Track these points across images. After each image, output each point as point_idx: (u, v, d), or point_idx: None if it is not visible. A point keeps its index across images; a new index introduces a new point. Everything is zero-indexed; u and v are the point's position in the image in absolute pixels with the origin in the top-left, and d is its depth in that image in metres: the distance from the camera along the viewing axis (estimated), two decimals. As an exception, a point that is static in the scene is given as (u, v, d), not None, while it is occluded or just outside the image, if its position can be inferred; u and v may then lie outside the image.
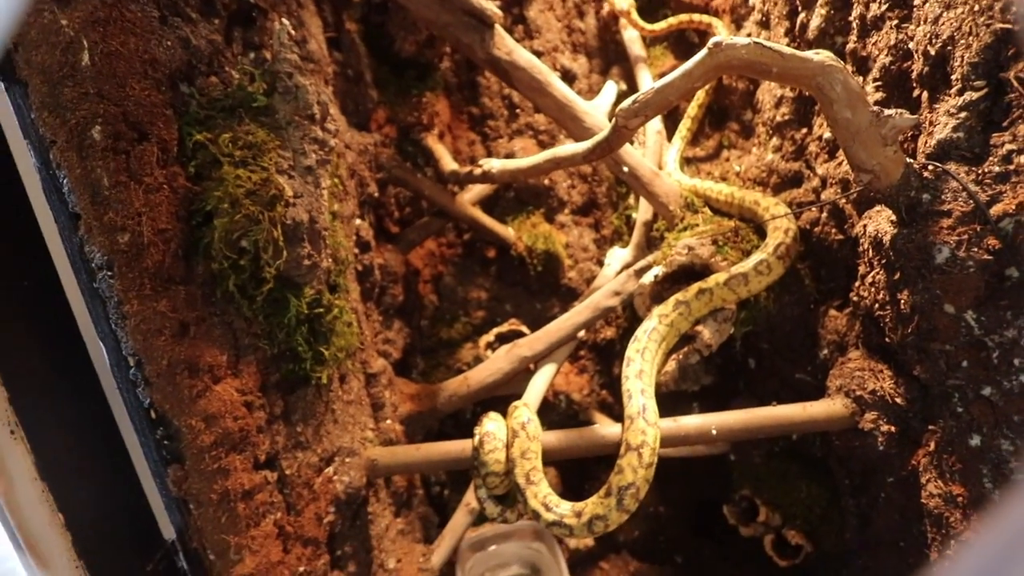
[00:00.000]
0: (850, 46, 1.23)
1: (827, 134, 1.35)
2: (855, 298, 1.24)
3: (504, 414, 1.33)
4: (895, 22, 1.09)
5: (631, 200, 2.12)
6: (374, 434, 1.41)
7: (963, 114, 0.90)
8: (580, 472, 2.21)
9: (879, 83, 1.14)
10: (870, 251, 1.13)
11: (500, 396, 1.81)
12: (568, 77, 2.10)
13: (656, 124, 1.89)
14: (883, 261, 1.08)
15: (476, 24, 1.53)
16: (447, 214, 1.97)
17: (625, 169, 1.65)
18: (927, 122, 1.00)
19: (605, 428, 1.29)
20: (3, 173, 0.71)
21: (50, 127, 0.70)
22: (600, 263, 2.20)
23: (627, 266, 1.92)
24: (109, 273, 0.75)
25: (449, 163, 1.87)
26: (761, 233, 1.48)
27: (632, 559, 1.99)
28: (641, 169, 1.66)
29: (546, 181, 2.14)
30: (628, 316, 2.04)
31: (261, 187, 0.89)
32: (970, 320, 0.90)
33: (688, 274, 1.51)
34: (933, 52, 0.97)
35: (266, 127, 0.95)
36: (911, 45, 1.05)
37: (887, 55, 1.12)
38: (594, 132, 1.59)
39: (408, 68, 1.90)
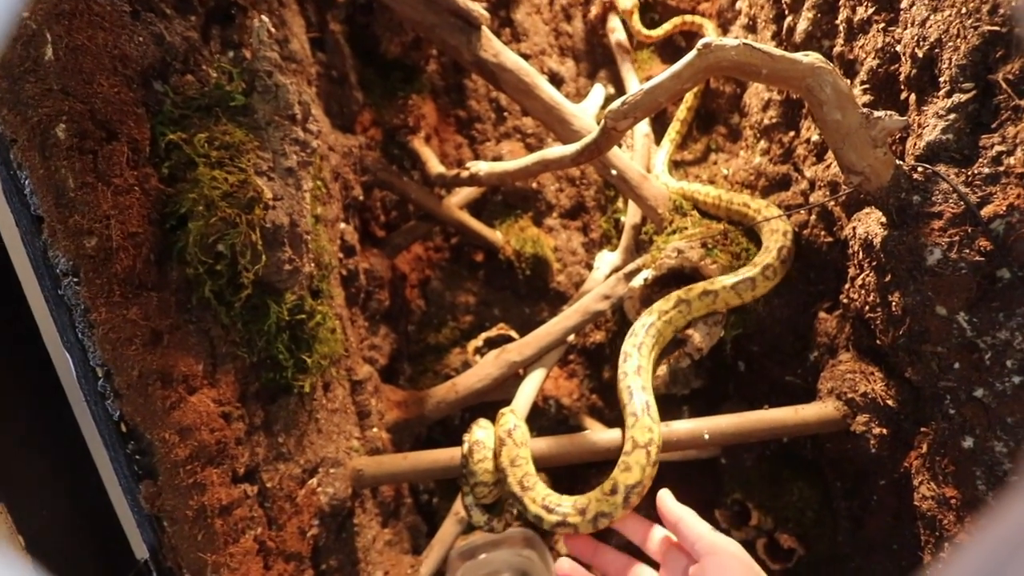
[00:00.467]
0: (837, 49, 1.23)
1: (814, 137, 1.35)
2: (845, 300, 1.23)
3: (493, 420, 1.30)
4: (882, 25, 1.09)
5: (619, 203, 2.11)
6: (360, 443, 1.38)
7: (952, 116, 0.89)
8: (570, 477, 2.19)
9: (866, 86, 1.14)
10: (860, 253, 1.12)
11: (489, 402, 1.78)
12: (556, 80, 2.09)
13: (644, 127, 1.89)
14: (873, 263, 1.08)
15: (463, 26, 1.51)
16: (434, 218, 1.94)
17: (613, 172, 1.63)
18: (915, 124, 1.00)
19: (597, 434, 1.26)
20: (-41, 173, 0.67)
21: (10, 125, 0.66)
22: (589, 267, 2.18)
23: (616, 269, 1.91)
24: (75, 279, 0.71)
25: (436, 166, 1.84)
26: (751, 235, 1.47)
27: (623, 566, 1.97)
28: (629, 172, 1.65)
29: (534, 184, 2.13)
30: (617, 320, 2.03)
31: (239, 189, 0.85)
32: (962, 322, 0.89)
33: (678, 277, 1.50)
34: (921, 54, 0.97)
35: (244, 127, 0.92)
36: (898, 48, 1.05)
37: (874, 58, 1.12)
38: (582, 135, 1.57)
39: (394, 70, 1.87)
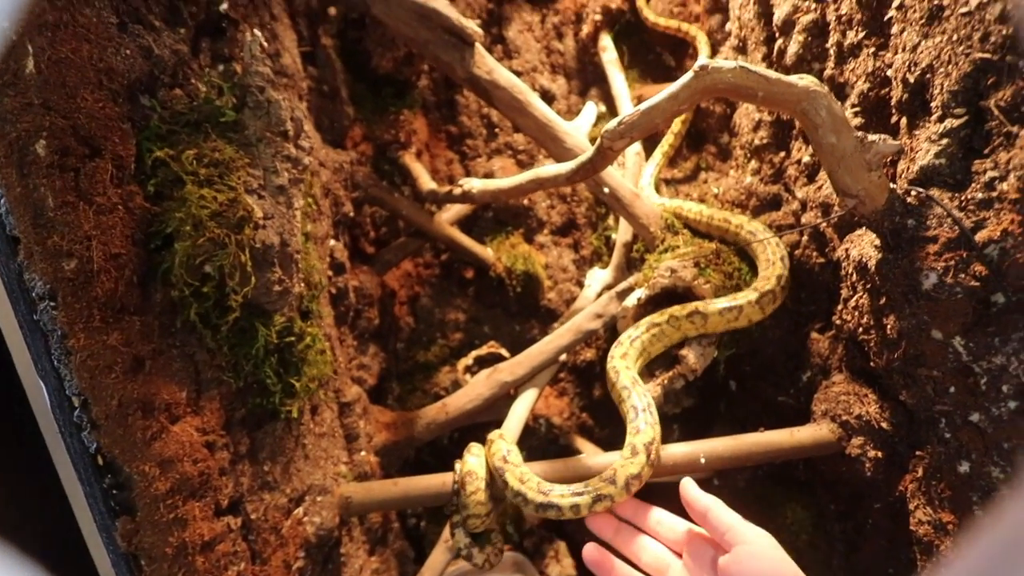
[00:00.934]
0: (828, 72, 1.25)
1: (806, 158, 1.36)
2: (838, 321, 1.24)
3: (483, 442, 1.27)
4: (872, 50, 1.11)
5: (610, 221, 2.11)
6: (348, 468, 1.33)
7: (944, 141, 0.91)
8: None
9: (857, 109, 1.16)
10: (854, 275, 1.13)
11: (480, 422, 1.75)
12: (547, 97, 2.09)
13: (636, 146, 1.89)
14: (868, 286, 1.08)
15: (456, 43, 1.51)
16: (424, 234, 1.91)
17: (606, 190, 1.63)
18: (908, 148, 1.01)
19: (591, 459, 1.24)
20: (-71, 192, 0.63)
21: (-14, 141, 0.63)
22: (580, 284, 2.18)
23: (608, 287, 1.90)
24: (52, 303, 0.67)
25: (427, 182, 1.83)
26: (742, 255, 1.48)
27: (616, 589, 1.93)
28: (621, 191, 1.65)
29: (525, 201, 2.12)
30: (609, 338, 2.02)
31: (228, 208, 0.82)
32: (958, 346, 0.89)
33: (671, 296, 1.49)
34: (912, 79, 0.98)
35: (234, 144, 0.89)
36: (889, 72, 1.07)
37: (865, 81, 1.14)
38: (575, 152, 1.57)
39: (385, 85, 1.86)
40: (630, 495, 1.05)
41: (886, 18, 1.04)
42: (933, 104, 0.94)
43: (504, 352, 2.00)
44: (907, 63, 0.98)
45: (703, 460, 1.20)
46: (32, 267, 0.66)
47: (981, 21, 0.83)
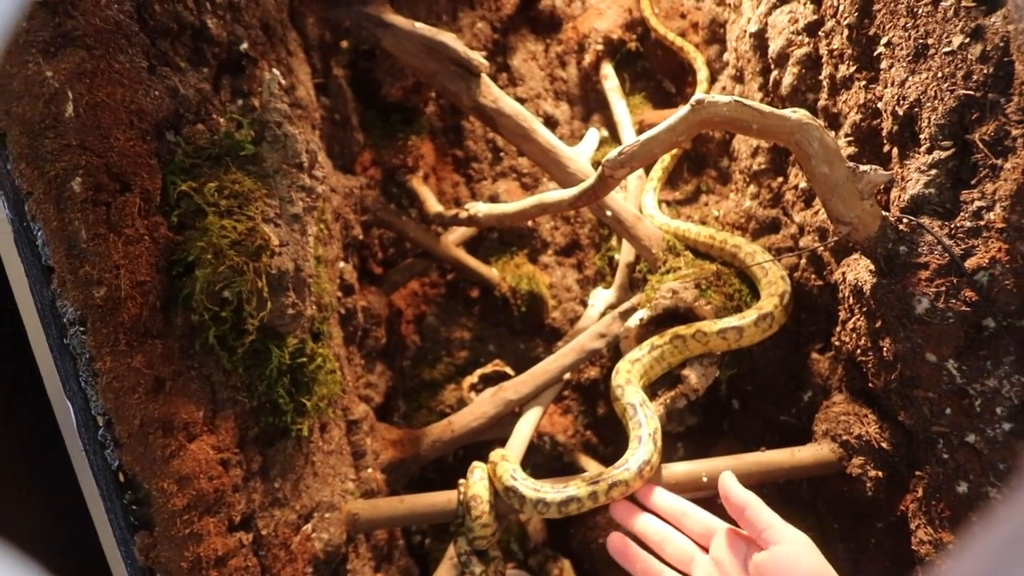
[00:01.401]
0: (821, 103, 1.29)
1: (802, 184, 1.40)
2: (836, 343, 1.26)
3: (488, 460, 1.29)
4: (863, 83, 1.15)
5: (613, 241, 2.15)
6: (355, 485, 1.36)
7: (933, 171, 0.94)
8: (565, 518, 2.15)
9: (850, 138, 1.20)
10: (850, 298, 1.15)
11: (485, 440, 1.77)
12: (550, 123, 2.15)
13: (638, 170, 1.94)
14: (864, 309, 1.11)
15: (463, 73, 1.57)
16: (431, 255, 1.96)
17: (608, 213, 1.67)
18: (899, 177, 1.05)
19: (595, 477, 1.25)
20: (-26, 226, 0.68)
21: (27, 179, 0.68)
22: (583, 303, 2.21)
23: (611, 307, 1.94)
24: (82, 329, 0.71)
25: (434, 205, 1.88)
26: (742, 276, 1.51)
27: (621, 610, 1.92)
28: (624, 213, 1.69)
29: (530, 223, 2.17)
30: (612, 357, 2.04)
31: (247, 237, 0.87)
32: (952, 369, 0.92)
33: (673, 317, 1.52)
34: (901, 112, 1.02)
35: (253, 175, 0.94)
36: (880, 105, 1.11)
37: (857, 113, 1.18)
38: (577, 177, 1.62)
39: (394, 112, 1.92)
40: (644, 481, 1.09)
41: (875, 53, 1.09)
42: (922, 136, 0.98)
43: (509, 370, 2.03)
44: (896, 97, 1.02)
45: (705, 479, 1.21)
46: (64, 295, 0.70)
47: (964, 60, 0.87)
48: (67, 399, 0.74)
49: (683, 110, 1.06)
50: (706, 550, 0.95)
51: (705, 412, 1.77)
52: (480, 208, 1.62)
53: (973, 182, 0.89)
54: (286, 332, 0.99)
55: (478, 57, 1.56)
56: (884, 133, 1.09)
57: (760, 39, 1.49)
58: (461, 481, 1.27)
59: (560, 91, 2.17)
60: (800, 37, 1.32)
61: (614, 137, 2.05)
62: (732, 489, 0.92)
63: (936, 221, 0.94)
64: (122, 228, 0.74)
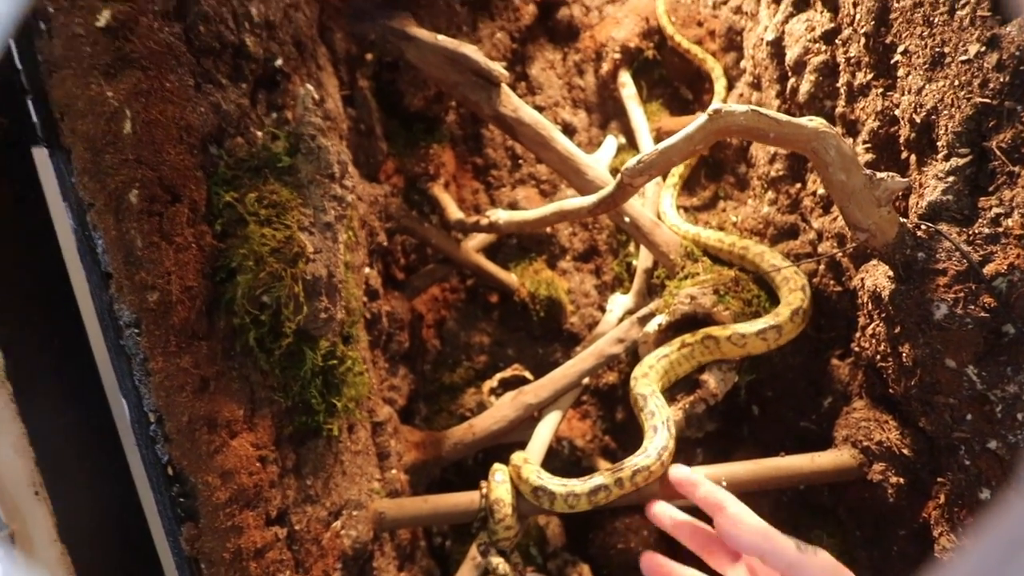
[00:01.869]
0: (839, 110, 1.31)
1: (820, 190, 1.41)
2: (856, 348, 1.27)
3: (507, 462, 1.33)
4: (880, 90, 1.17)
5: (631, 247, 2.17)
6: (380, 485, 1.40)
7: (951, 178, 0.95)
8: (584, 520, 2.17)
9: (868, 145, 1.21)
10: (869, 304, 1.16)
11: (505, 443, 1.80)
12: (569, 130, 2.19)
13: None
14: (883, 315, 1.12)
15: (484, 84, 1.62)
16: (452, 261, 2.00)
17: (627, 220, 1.70)
18: (917, 183, 1.06)
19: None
20: (42, 234, 0.73)
21: (89, 191, 0.73)
22: (601, 308, 2.23)
23: (629, 312, 1.96)
24: (136, 331, 0.77)
25: (455, 212, 1.92)
26: (761, 282, 1.52)
27: (640, 614, 1.93)
28: (642, 220, 1.71)
29: (548, 229, 2.20)
30: (630, 362, 2.06)
31: (285, 245, 0.92)
32: (971, 375, 0.92)
33: (691, 323, 1.54)
34: (918, 120, 1.04)
35: (289, 186, 0.99)
36: (897, 112, 1.12)
37: (875, 120, 1.19)
38: (596, 184, 1.65)
39: (416, 121, 1.98)
40: (664, 467, 1.16)
41: (892, 61, 1.10)
42: (939, 143, 0.99)
43: (528, 375, 2.06)
44: (913, 104, 1.03)
45: (724, 484, 1.23)
46: (121, 299, 0.76)
47: (980, 68, 0.89)
48: (122, 396, 0.79)
49: (700, 119, 1.08)
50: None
51: (724, 418, 1.78)
52: (501, 215, 1.66)
53: (991, 189, 0.90)
54: (319, 335, 1.04)
55: (498, 68, 1.61)
56: (902, 140, 1.10)
57: (777, 47, 1.51)
58: (482, 482, 1.30)
59: (578, 99, 2.21)
60: (817, 45, 1.34)
61: (632, 144, 2.08)
62: (747, 524, 0.93)
63: (954, 227, 0.95)
64: (173, 237, 0.79)
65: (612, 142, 1.98)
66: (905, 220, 1.01)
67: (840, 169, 1.01)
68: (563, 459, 2.11)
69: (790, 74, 1.45)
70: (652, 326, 1.57)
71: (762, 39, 1.59)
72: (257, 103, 1.12)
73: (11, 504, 0.61)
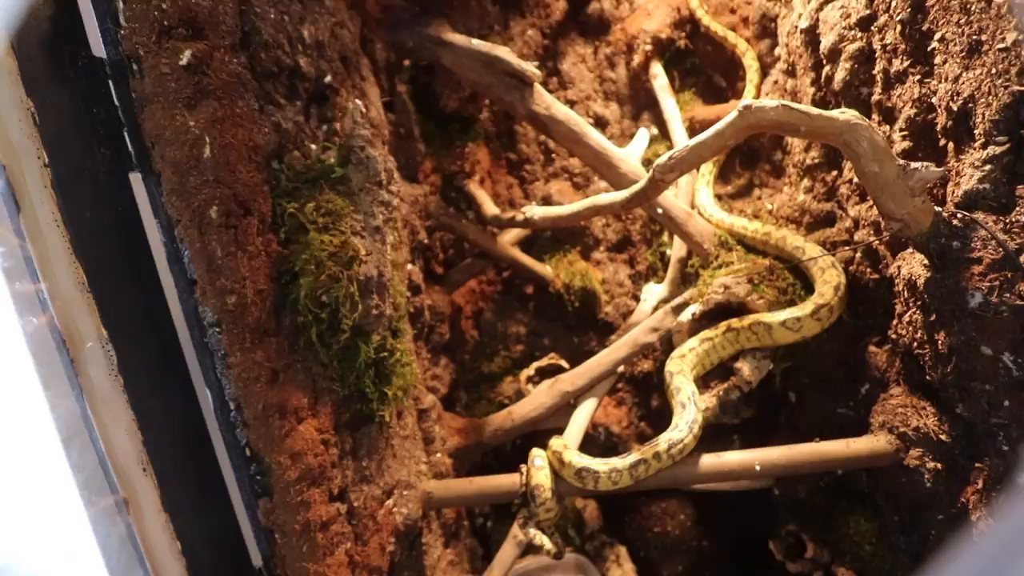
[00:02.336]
0: (875, 97, 1.30)
1: (856, 178, 1.40)
2: (893, 336, 1.27)
3: (545, 447, 1.40)
4: (917, 77, 1.16)
5: (664, 237, 2.19)
6: (427, 467, 1.50)
7: (988, 167, 0.95)
8: (621, 504, 2.23)
9: (905, 133, 1.20)
10: (905, 292, 1.17)
11: (542, 430, 1.87)
12: (601, 123, 2.21)
13: (688, 166, 1.97)
14: (918, 303, 1.12)
15: (517, 84, 1.67)
16: (488, 255, 2.08)
17: (659, 211, 1.73)
18: (954, 172, 1.06)
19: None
20: (139, 247, 0.84)
21: (176, 209, 0.83)
22: (636, 298, 2.26)
23: (663, 301, 1.98)
24: (218, 330, 0.87)
25: (491, 208, 1.99)
26: (796, 272, 1.53)
27: (677, 595, 1.98)
28: (675, 211, 1.74)
29: (582, 221, 2.24)
30: (665, 351, 2.09)
31: (340, 249, 1.01)
32: (1008, 362, 0.93)
33: (725, 312, 1.56)
34: (955, 108, 1.03)
35: (342, 195, 1.08)
36: (934, 100, 1.11)
37: (912, 107, 1.18)
38: (629, 178, 1.68)
39: (452, 122, 2.05)
40: (696, 439, 1.25)
41: (929, 48, 1.09)
42: (976, 131, 0.99)
43: (564, 363, 2.12)
44: (950, 92, 1.03)
45: (758, 467, 1.27)
46: (204, 302, 0.86)
47: (1018, 56, 0.88)
48: (206, 388, 0.90)
49: (731, 115, 1.11)
50: None
51: (761, 405, 1.79)
52: (536, 211, 1.72)
53: (1029, 177, 0.90)
54: (371, 330, 1.13)
55: (531, 68, 1.65)
56: (939, 128, 1.10)
57: (811, 35, 1.50)
58: (521, 466, 1.38)
59: (609, 92, 2.23)
60: (852, 32, 1.33)
61: (664, 135, 2.09)
62: None
63: (990, 216, 0.95)
64: (246, 246, 0.89)
65: (644, 134, 2.00)
66: (940, 209, 1.02)
67: (873, 160, 1.02)
68: (600, 445, 2.17)
69: (825, 62, 1.44)
70: (686, 315, 1.61)
71: (796, 27, 1.58)
72: (310, 118, 1.21)
73: (124, 478, 0.72)
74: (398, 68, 1.81)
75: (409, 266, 1.66)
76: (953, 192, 1.03)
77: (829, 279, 1.36)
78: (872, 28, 1.28)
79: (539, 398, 1.80)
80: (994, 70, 0.93)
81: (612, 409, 2.34)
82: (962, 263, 0.97)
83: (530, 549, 1.53)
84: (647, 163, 2.14)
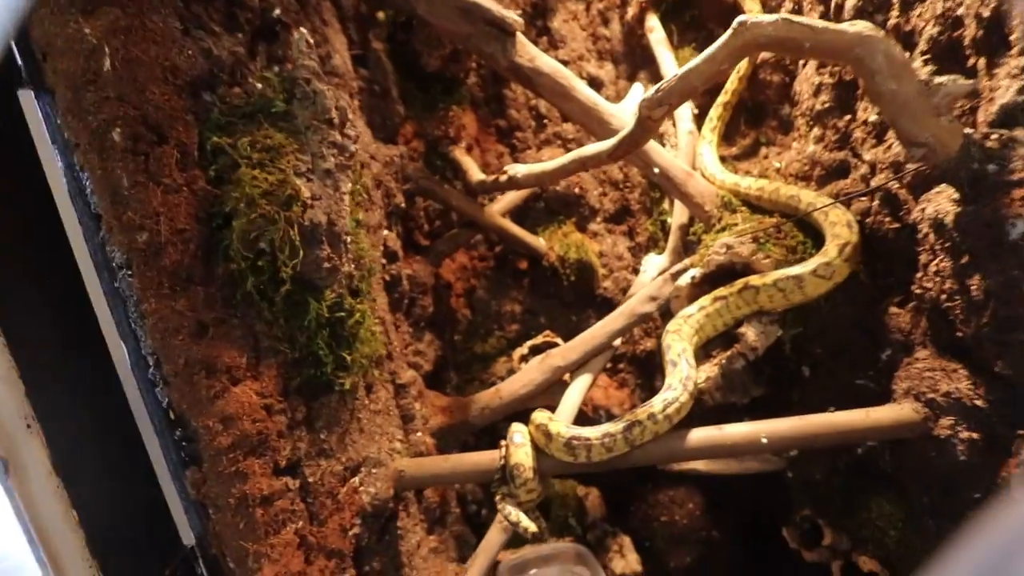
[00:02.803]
0: (892, 22, 1.15)
1: (872, 117, 1.25)
2: (918, 291, 1.12)
3: (528, 422, 1.28)
4: (942, -12, 1.01)
5: (665, 205, 2.04)
6: (403, 446, 1.38)
7: (1030, 72, 0.80)
8: (625, 492, 2.10)
9: (927, 56, 1.05)
10: (931, 236, 1.02)
11: (533, 408, 1.75)
12: (595, 84, 2.08)
13: (687, 124, 1.83)
14: (947, 245, 0.97)
15: (497, 33, 1.54)
16: (476, 225, 1.96)
17: (656, 171, 1.59)
18: (986, 90, 0.91)
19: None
20: (31, 176, 0.74)
21: (74, 131, 0.73)
22: (636, 272, 2.12)
23: (664, 271, 1.85)
24: (128, 272, 0.76)
25: (476, 174, 1.87)
26: (806, 228, 1.38)
27: (683, 587, 1.85)
28: (673, 170, 1.60)
29: (576, 190, 2.11)
30: (666, 323, 1.95)
31: (277, 188, 0.89)
32: (1057, 302, 0.78)
33: (728, 274, 1.42)
34: (987, 14, 0.88)
35: (284, 131, 0.96)
36: (960, 11, 0.96)
37: (934, 25, 1.03)
38: (622, 134, 1.55)
39: (434, 83, 1.93)
40: (692, 398, 1.16)
41: (955, -52, 0.94)
42: (1013, 37, 0.84)
43: (559, 341, 1.99)
44: (981, -6, 0.88)
45: (764, 440, 1.13)
46: (112, 240, 0.75)
47: (1066, -72, 0.73)
48: (121, 340, 0.79)
49: (724, 35, 0.97)
50: None
51: (772, 383, 1.64)
52: (519, 169, 1.59)
53: (1082, 77, 0.75)
54: (323, 285, 1.01)
55: (512, 15, 1.52)
56: (967, 42, 0.95)
57: (820, -38, 1.35)
58: (502, 442, 1.26)
59: (604, 50, 2.09)
60: (865, -50, 1.18)
61: (663, 94, 1.94)
62: None
63: (1034, 130, 0.80)
64: (160, 178, 0.78)
65: (639, 89, 1.86)
66: (971, 132, 0.87)
67: (890, 77, 0.88)
68: (599, 428, 2.04)
69: (834, -10, 1.29)
70: (685, 279, 1.46)
71: (803, -43, 1.43)
72: (257, 55, 1.10)
73: (2, 433, 0.62)
74: (372, 22, 1.70)
75: (385, 232, 1.55)
76: (986, 111, 0.88)
77: (839, 234, 1.21)
78: (888, -59, 1.13)
79: (529, 374, 1.67)
80: (1037, -46, 0.78)
81: (613, 391, 2.20)
82: (999, 189, 0.82)
83: (518, 538, 1.40)
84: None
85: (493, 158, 2.13)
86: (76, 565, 0.66)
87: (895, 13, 1.14)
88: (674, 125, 1.87)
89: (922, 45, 1.07)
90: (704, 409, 1.46)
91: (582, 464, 1.17)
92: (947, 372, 1.06)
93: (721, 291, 1.31)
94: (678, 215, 1.83)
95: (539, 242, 2.05)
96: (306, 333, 1.01)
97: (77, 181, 0.75)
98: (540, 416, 1.27)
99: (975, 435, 1.01)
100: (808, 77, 1.51)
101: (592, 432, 1.13)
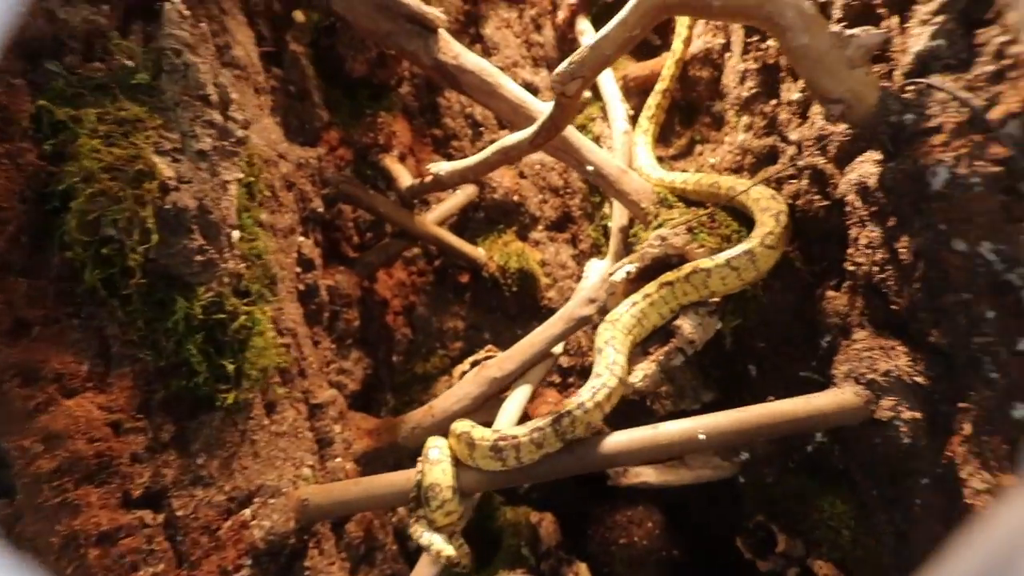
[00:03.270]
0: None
1: (796, 95, 1.23)
2: (851, 267, 1.07)
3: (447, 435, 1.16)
4: (849, -44, 0.99)
5: (607, 209, 1.99)
6: (315, 472, 1.22)
7: (940, 18, 0.77)
8: (581, 515, 1.96)
9: (845, 22, 1.02)
10: (858, 203, 0.97)
11: (472, 427, 1.61)
12: (531, 90, 2.02)
13: (622, 124, 1.79)
14: (874, 210, 0.92)
15: (419, 31, 1.47)
16: (409, 235, 1.85)
17: (590, 168, 1.53)
18: (899, 45, 0.87)
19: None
20: None
21: None
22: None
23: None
24: (-89, 255, 0.62)
25: (406, 180, 1.78)
26: (739, 217, 1.33)
27: (644, 615, 1.70)
28: (607, 167, 1.54)
29: (515, 197, 2.04)
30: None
31: (126, 163, 0.77)
32: (986, 254, 0.73)
33: (664, 267, 1.35)
34: (894, -28, 0.86)
35: (147, 106, 0.85)
36: (870, -26, 0.94)
37: (846, -7, 1.01)
38: (551, 130, 1.49)
39: (361, 88, 1.85)
40: (623, 383, 1.10)
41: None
42: (920, -13, 0.81)
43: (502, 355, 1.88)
44: (884, -51, 0.86)
45: (702, 436, 1.03)
46: None
47: None
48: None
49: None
50: None
51: (721, 386, 1.57)
52: (443, 167, 1.51)
53: (989, 15, 0.72)
54: (195, 282, 0.88)
55: (434, 12, 1.47)
56: (878, 1, 0.92)
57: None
58: (419, 459, 1.13)
59: (538, 57, 2.07)
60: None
61: (597, 96, 1.91)
62: None
63: (949, 77, 0.76)
64: (-40, 142, 0.65)
65: (571, 91, 1.82)
66: (888, 83, 0.83)
67: (802, 31, 0.83)
68: (550, 447, 1.91)
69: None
70: (620, 275, 1.38)
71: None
72: (130, 33, 0.99)
73: None
74: (289, 22, 1.61)
75: (300, 238, 1.42)
76: (900, 62, 0.84)
77: (768, 208, 1.16)
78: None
79: (463, 388, 1.54)
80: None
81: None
82: (919, 137, 0.77)
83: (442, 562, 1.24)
84: (581, 128, 1.98)
85: (428, 167, 2.04)
86: None
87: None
88: (609, 127, 1.84)
89: (838, 12, 1.04)
90: (657, 419, 1.36)
91: (513, 471, 1.04)
92: (885, 350, 0.99)
93: (668, 276, 1.23)
94: (618, 218, 1.77)
95: (477, 252, 1.96)
96: (173, 337, 0.86)
97: None
98: (461, 425, 1.14)
99: (917, 415, 0.94)
100: (734, 67, 1.50)
101: (519, 430, 1.02)
